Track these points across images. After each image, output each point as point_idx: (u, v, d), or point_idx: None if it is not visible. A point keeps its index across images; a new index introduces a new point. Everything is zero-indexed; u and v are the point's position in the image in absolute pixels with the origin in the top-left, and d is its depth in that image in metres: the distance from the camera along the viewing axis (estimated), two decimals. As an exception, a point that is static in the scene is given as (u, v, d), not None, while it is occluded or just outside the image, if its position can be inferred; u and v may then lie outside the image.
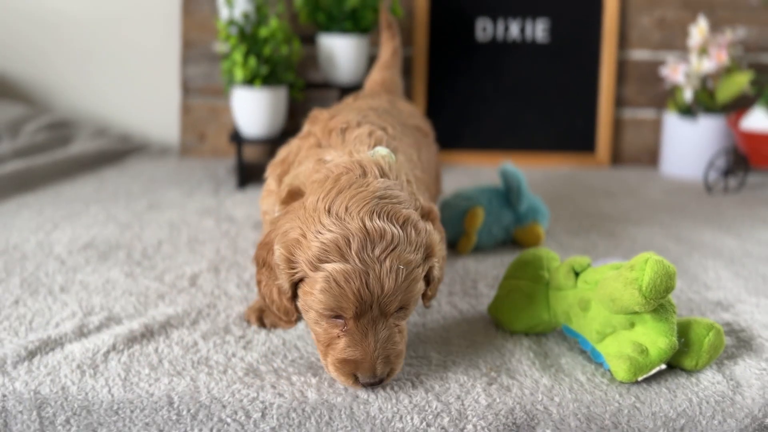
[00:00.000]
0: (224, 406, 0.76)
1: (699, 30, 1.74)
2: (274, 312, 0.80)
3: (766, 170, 1.74)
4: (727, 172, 1.67)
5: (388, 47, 1.39)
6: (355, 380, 0.74)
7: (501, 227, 1.22)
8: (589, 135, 1.93)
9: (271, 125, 1.63)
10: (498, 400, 0.76)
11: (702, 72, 1.73)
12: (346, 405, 0.76)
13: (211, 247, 1.22)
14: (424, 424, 0.75)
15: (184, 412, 0.76)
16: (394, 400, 0.76)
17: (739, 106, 1.80)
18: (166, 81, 2.05)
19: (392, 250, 0.71)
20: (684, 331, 0.79)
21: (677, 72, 1.77)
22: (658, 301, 0.75)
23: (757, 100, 1.68)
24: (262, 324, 0.91)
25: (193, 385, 0.78)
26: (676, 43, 1.91)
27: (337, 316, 0.73)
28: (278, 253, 0.75)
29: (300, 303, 0.76)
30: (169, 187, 1.63)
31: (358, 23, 1.67)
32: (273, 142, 1.76)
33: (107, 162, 1.85)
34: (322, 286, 0.71)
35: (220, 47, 1.69)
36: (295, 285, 0.76)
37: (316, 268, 0.71)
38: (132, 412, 0.76)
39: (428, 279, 0.79)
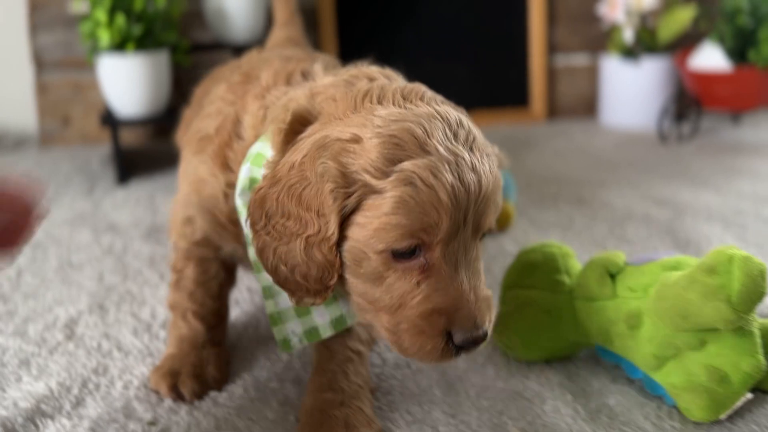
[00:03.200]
0: None
1: (637, -39, 1.56)
2: (298, 282, 0.53)
3: (717, 112, 1.61)
4: (680, 118, 1.53)
5: (285, 3, 1.13)
6: (447, 342, 0.50)
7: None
8: (521, 87, 1.73)
9: (152, 100, 1.30)
10: (546, 479, 0.53)
11: (643, 9, 1.56)
12: None
13: (91, 273, 0.90)
14: None
15: None
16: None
17: (682, 44, 1.64)
18: (14, 55, 1.64)
19: (474, 138, 0.53)
20: (766, 343, 0.59)
21: (616, 9, 1.59)
22: (749, 313, 0.54)
23: (707, 36, 1.53)
24: (178, 395, 0.63)
25: None
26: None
27: (414, 251, 0.50)
28: (324, 166, 0.50)
29: (348, 251, 0.51)
30: (26, 189, 1.27)
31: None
32: (156, 122, 1.43)
33: (-59, 162, 1.45)
34: (400, 197, 0.48)
35: (76, 5, 1.32)
36: (343, 222, 0.51)
37: (386, 174, 0.49)
38: None
39: None
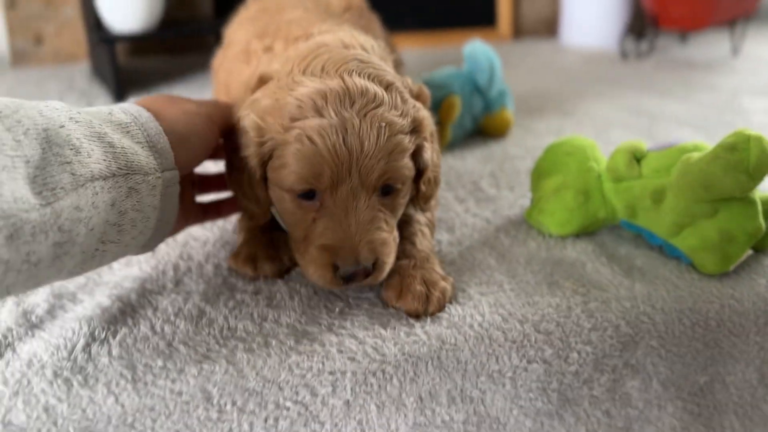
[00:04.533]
0: (281, 388, 0.58)
1: None
2: (245, 204, 0.69)
3: (672, 31, 1.75)
4: (639, 37, 1.65)
5: None
6: (335, 273, 0.61)
7: (471, 117, 1.09)
8: (489, 8, 1.81)
9: (148, 14, 1.30)
10: (600, 318, 0.65)
11: (607, -68, 1.66)
12: (433, 355, 0.61)
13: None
14: (525, 361, 0.63)
15: (228, 406, 0.57)
16: (487, 340, 0.63)
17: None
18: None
19: (374, 108, 0.62)
20: (765, 209, 0.73)
21: (582, -67, 1.68)
22: (761, 182, 0.67)
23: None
24: (257, 271, 0.71)
25: (234, 369, 0.58)
26: None
27: (312, 193, 0.62)
28: (248, 119, 0.64)
29: (271, 187, 0.66)
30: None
31: None
32: (148, 39, 1.44)
33: None
34: (295, 147, 0.61)
35: None
36: (265, 165, 0.65)
37: (288, 129, 0.62)
38: (155, 421, 0.55)
39: (419, 167, 0.67)
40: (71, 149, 0.47)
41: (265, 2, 0.98)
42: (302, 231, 0.64)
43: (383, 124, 0.61)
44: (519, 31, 1.87)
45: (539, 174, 0.81)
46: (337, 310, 0.65)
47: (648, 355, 0.66)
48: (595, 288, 0.68)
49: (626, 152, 0.75)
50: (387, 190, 0.64)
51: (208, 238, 0.79)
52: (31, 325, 0.63)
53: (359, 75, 0.63)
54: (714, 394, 0.72)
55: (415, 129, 0.65)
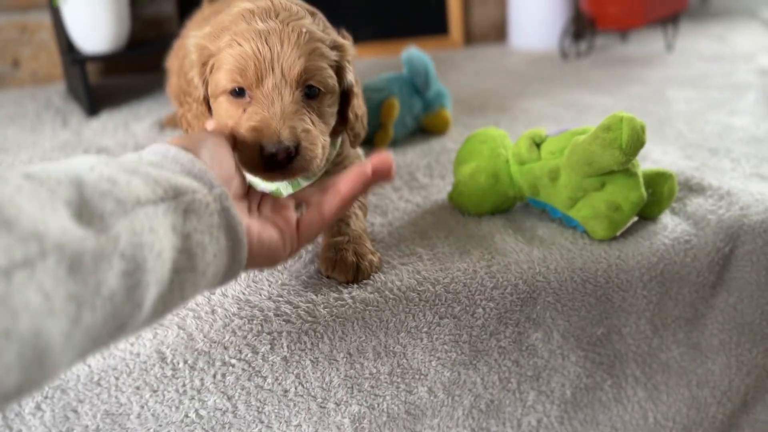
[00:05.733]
0: (226, 348, 0.68)
1: None
2: (189, 122, 0.78)
3: (609, 31, 1.87)
4: (578, 38, 1.78)
5: None
6: (260, 154, 0.67)
7: (412, 116, 1.20)
8: (441, 17, 1.93)
9: (116, 36, 1.41)
10: (501, 279, 0.76)
11: (544, -59, 1.78)
12: (358, 316, 0.72)
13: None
14: (437, 317, 0.74)
15: (180, 364, 0.67)
16: (404, 301, 0.73)
17: (578, -27, 1.89)
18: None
19: (297, 20, 0.71)
20: (647, 182, 0.84)
21: (521, -57, 1.80)
22: (634, 157, 0.78)
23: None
24: None
25: (185, 333, 0.68)
26: None
27: (242, 90, 0.70)
28: (191, 41, 0.75)
29: (210, 95, 0.74)
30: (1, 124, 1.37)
31: None
32: (116, 59, 1.55)
33: None
34: (226, 51, 0.70)
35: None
36: (207, 83, 0.74)
37: (220, 38, 0.71)
38: (117, 378, 0.66)
39: (344, 88, 0.77)
40: (108, 182, 0.44)
41: (219, 5, 1.09)
42: (234, 123, 0.70)
43: (304, 30, 0.70)
44: (470, 38, 1.99)
45: (459, 161, 0.92)
46: (279, 282, 0.76)
47: (546, 309, 0.77)
48: (499, 254, 0.79)
49: (528, 138, 0.86)
50: (312, 93, 0.71)
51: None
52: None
53: (288, 1, 0.73)
54: (613, 344, 0.83)
55: (336, 47, 0.75)
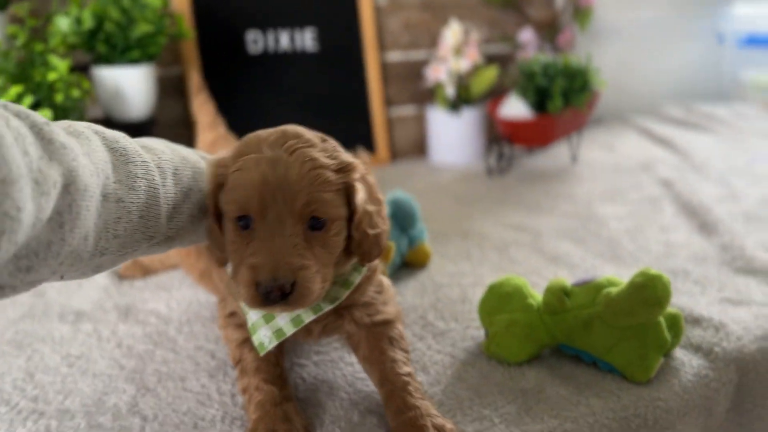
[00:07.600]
0: None
1: (452, 33, 1.94)
2: (211, 248, 0.80)
3: (523, 146, 2.05)
4: (501, 156, 1.93)
5: (207, 109, 1.33)
6: (256, 291, 0.68)
7: (399, 255, 1.24)
8: (368, 136, 2.01)
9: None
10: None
11: (460, 71, 1.94)
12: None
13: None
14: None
15: None
16: (497, 473, 0.75)
17: (491, 96, 2.07)
18: None
19: (303, 147, 0.73)
20: (669, 325, 0.94)
21: (439, 72, 1.95)
22: (667, 308, 0.88)
23: (511, 90, 1.96)
24: None
25: None
26: (421, 42, 2.09)
27: (247, 220, 0.72)
28: (208, 161, 0.79)
29: (224, 226, 0.76)
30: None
31: (146, 49, 1.44)
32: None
33: None
34: (234, 177, 0.72)
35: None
36: (219, 202, 0.76)
37: (234, 164, 0.74)
38: None
39: (352, 210, 0.76)
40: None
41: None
42: (239, 257, 0.72)
43: (307, 158, 0.71)
44: (395, 154, 2.09)
45: (488, 312, 0.97)
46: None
47: (611, 457, 0.83)
48: (563, 410, 0.84)
49: (557, 290, 0.94)
50: (316, 225, 0.72)
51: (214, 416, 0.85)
52: None
53: (299, 130, 0.76)
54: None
55: (342, 169, 0.75)
